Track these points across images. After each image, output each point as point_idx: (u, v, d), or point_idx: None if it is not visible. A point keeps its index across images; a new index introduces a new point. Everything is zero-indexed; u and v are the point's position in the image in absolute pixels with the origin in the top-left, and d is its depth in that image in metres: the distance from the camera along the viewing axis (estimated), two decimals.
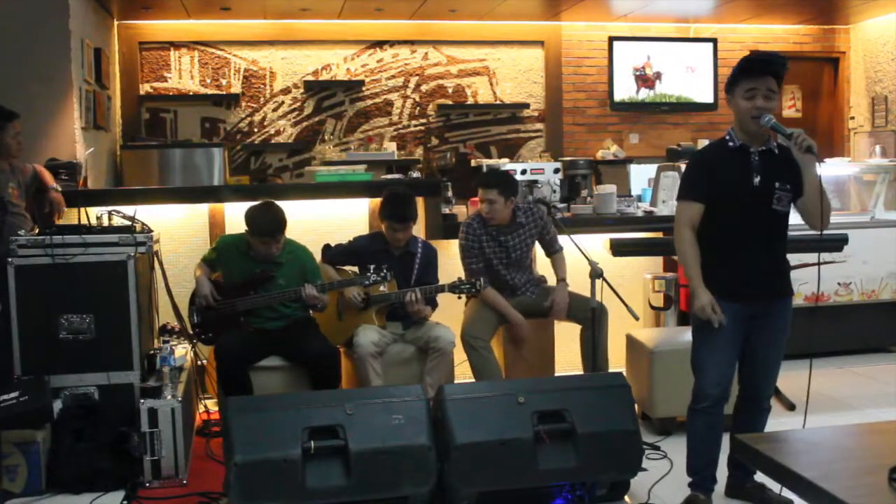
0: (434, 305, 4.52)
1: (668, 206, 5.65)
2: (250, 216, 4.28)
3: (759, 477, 3.49)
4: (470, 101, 7.83)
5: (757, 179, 3.26)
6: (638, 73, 7.85)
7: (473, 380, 4.40)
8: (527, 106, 7.91)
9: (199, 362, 4.53)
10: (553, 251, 4.74)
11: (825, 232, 3.33)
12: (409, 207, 4.46)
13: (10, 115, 4.30)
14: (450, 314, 4.68)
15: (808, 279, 5.60)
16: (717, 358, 3.34)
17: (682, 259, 3.36)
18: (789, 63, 3.31)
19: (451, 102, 7.78)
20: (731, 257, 3.30)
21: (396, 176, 5.97)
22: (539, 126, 8.00)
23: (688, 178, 3.40)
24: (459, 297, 4.55)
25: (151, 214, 4.54)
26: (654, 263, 5.50)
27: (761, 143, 3.29)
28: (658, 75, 7.88)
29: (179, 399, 3.78)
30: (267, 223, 4.25)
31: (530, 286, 4.67)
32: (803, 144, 3.10)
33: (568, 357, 4.80)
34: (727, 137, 3.35)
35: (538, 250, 4.78)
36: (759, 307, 3.32)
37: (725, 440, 3.61)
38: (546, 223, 4.63)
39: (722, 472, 3.58)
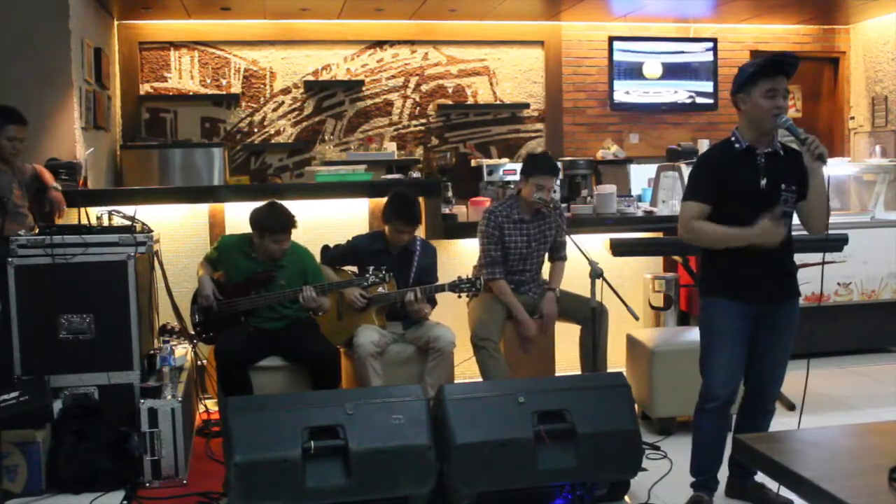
0: (433, 304, 4.53)
1: (668, 206, 5.65)
2: (260, 217, 4.28)
3: (760, 477, 3.49)
4: (470, 101, 7.83)
5: (764, 181, 3.25)
6: None
7: (474, 379, 4.40)
8: (527, 106, 7.91)
9: (199, 362, 4.53)
10: (558, 256, 4.75)
11: (827, 232, 3.34)
12: (416, 210, 4.49)
13: (10, 118, 4.30)
14: (450, 314, 4.69)
15: (809, 279, 5.59)
16: (726, 358, 3.33)
17: (711, 236, 3.26)
18: None
19: (451, 102, 7.77)
20: (740, 259, 3.27)
21: (396, 176, 5.97)
22: (539, 126, 8.00)
23: (695, 180, 3.36)
24: (460, 297, 4.55)
25: (151, 214, 4.54)
26: (654, 263, 5.50)
27: (767, 145, 3.28)
28: None
29: (179, 399, 3.78)
30: (279, 220, 4.27)
31: (535, 286, 4.68)
32: (815, 152, 3.12)
33: (568, 357, 4.80)
34: (732, 139, 3.32)
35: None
36: (767, 308, 3.32)
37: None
38: (561, 223, 4.63)
39: (722, 472, 3.59)
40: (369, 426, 3.22)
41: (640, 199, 5.98)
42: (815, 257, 5.31)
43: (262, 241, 4.29)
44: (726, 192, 3.25)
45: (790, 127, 3.18)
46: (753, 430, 3.41)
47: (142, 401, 3.77)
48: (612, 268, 4.82)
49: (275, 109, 7.53)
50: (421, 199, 5.01)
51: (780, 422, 4.31)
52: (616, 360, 4.75)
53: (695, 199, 3.30)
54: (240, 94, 7.42)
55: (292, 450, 3.12)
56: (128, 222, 4.16)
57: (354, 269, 4.59)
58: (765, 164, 3.26)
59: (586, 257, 4.02)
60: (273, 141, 7.52)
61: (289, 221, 4.28)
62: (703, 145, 6.15)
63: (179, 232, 5.04)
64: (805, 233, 3.46)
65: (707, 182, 3.29)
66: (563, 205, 5.67)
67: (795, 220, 3.39)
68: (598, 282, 3.98)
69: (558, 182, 6.15)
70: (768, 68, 3.21)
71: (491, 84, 7.87)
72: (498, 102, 7.88)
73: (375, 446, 3.19)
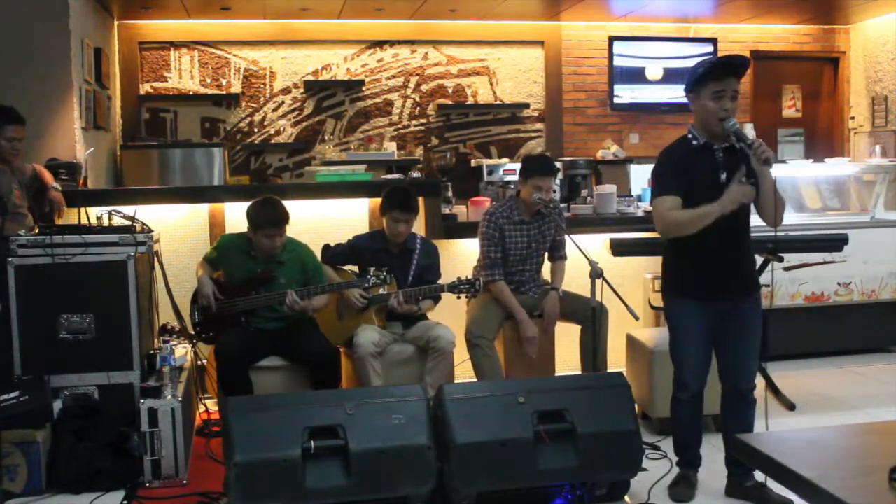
0: (436, 300, 4.53)
1: None
2: (253, 211, 4.29)
3: (760, 476, 3.49)
4: (470, 101, 7.83)
5: (724, 176, 3.34)
6: None
7: (474, 379, 4.40)
8: (527, 106, 7.90)
9: (199, 362, 4.53)
10: (558, 255, 4.75)
11: (826, 232, 3.37)
12: (413, 198, 4.49)
13: (9, 119, 4.30)
14: (450, 314, 4.68)
15: (809, 279, 5.60)
16: (693, 353, 3.49)
17: (688, 219, 3.30)
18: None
19: (451, 102, 7.77)
20: (704, 256, 3.38)
21: (396, 176, 5.97)
22: (539, 126, 7.99)
23: (661, 176, 3.46)
24: (459, 297, 4.54)
25: (151, 214, 4.54)
26: (654, 263, 5.46)
27: (723, 141, 3.37)
28: None
29: (179, 399, 3.78)
30: (272, 215, 4.26)
31: (534, 286, 4.68)
32: (762, 156, 3.19)
33: (568, 357, 4.80)
34: (689, 136, 3.42)
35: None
36: (727, 306, 3.42)
37: (716, 433, 3.62)
38: (560, 222, 4.64)
39: (724, 471, 3.61)
40: (369, 426, 3.22)
41: (640, 199, 5.97)
42: (816, 257, 5.34)
43: (255, 237, 4.30)
44: (688, 188, 3.34)
45: (737, 131, 3.26)
46: (740, 423, 3.49)
47: (142, 401, 3.77)
48: (612, 268, 4.81)
49: (275, 109, 7.53)
50: (421, 200, 5.01)
51: (780, 422, 4.34)
52: (616, 360, 4.75)
53: (666, 194, 3.39)
54: (240, 94, 7.42)
55: (292, 450, 3.12)
56: (128, 222, 4.16)
57: (355, 268, 4.59)
58: (723, 159, 3.36)
59: (586, 257, 4.02)
60: (273, 141, 7.52)
61: (280, 217, 4.27)
62: None
63: (179, 232, 5.04)
64: (801, 233, 3.49)
65: (672, 176, 3.39)
66: (563, 205, 5.67)
67: (756, 220, 3.46)
68: (598, 282, 3.98)
69: (558, 182, 6.14)
70: (717, 70, 3.29)
71: (491, 84, 7.87)
72: (498, 102, 7.88)
73: (375, 446, 3.19)
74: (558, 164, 6.37)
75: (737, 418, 3.51)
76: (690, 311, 3.44)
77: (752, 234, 3.49)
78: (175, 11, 6.85)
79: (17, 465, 3.65)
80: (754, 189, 3.24)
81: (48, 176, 4.55)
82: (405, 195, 4.47)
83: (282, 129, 7.54)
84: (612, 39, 7.80)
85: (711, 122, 3.31)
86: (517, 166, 6.06)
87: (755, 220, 3.44)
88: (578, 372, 4.58)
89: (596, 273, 3.96)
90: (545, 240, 4.66)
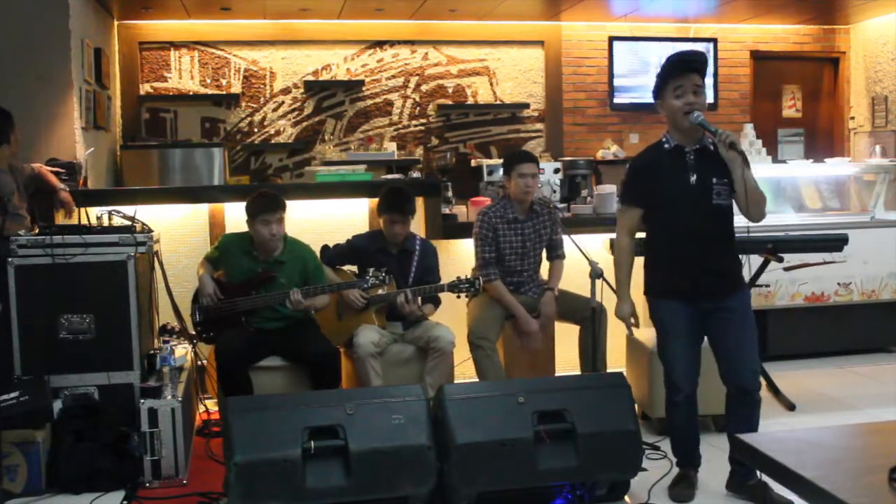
0: (437, 303, 4.53)
1: None
2: (249, 202, 4.31)
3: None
4: (470, 101, 7.83)
5: (693, 178, 3.38)
6: None
7: (474, 379, 4.40)
8: (527, 106, 7.90)
9: (199, 362, 4.53)
10: (555, 255, 4.74)
11: (826, 232, 3.38)
12: (409, 200, 4.49)
13: (11, 118, 4.30)
14: (450, 314, 4.68)
15: (809, 279, 5.60)
16: (681, 353, 3.50)
17: (617, 262, 3.58)
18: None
19: (451, 102, 7.77)
20: (678, 257, 3.43)
21: (396, 176, 5.98)
22: (539, 126, 7.99)
23: (627, 184, 3.58)
24: (459, 297, 4.54)
25: (151, 214, 4.54)
26: None
27: (696, 142, 3.41)
28: None
29: (179, 399, 3.79)
30: (266, 201, 4.28)
31: (534, 286, 4.67)
32: (726, 141, 3.25)
33: (568, 357, 4.80)
34: (663, 140, 3.48)
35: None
36: (713, 303, 3.43)
37: (716, 433, 3.61)
38: (556, 221, 4.64)
39: (724, 470, 3.61)
40: (369, 426, 3.22)
41: None
42: (816, 257, 5.34)
43: (253, 228, 4.29)
44: (657, 189, 3.42)
45: (702, 122, 3.32)
46: (744, 424, 3.46)
47: (142, 401, 3.78)
48: (612, 268, 4.81)
49: (275, 109, 7.53)
50: (421, 199, 5.01)
51: (781, 422, 4.34)
52: (616, 360, 4.75)
53: (626, 203, 3.58)
54: (240, 94, 7.42)
55: (292, 450, 3.12)
56: (128, 222, 4.16)
57: (354, 268, 4.59)
58: (694, 160, 3.40)
59: (586, 257, 4.02)
60: (273, 141, 7.52)
61: (274, 202, 4.28)
62: None
63: (179, 232, 5.04)
64: (802, 233, 3.50)
65: (636, 186, 3.52)
66: (563, 205, 5.67)
67: (739, 220, 3.48)
68: (598, 282, 3.98)
69: (558, 182, 6.14)
70: (675, 69, 3.36)
71: (491, 84, 7.87)
72: (498, 102, 7.88)
73: (375, 446, 3.19)
74: (558, 164, 6.38)
75: (740, 418, 3.48)
76: (675, 311, 3.46)
77: (753, 234, 3.50)
78: (175, 11, 6.85)
79: (17, 465, 3.65)
80: (634, 323, 3.63)
81: (53, 178, 4.54)
82: (400, 197, 4.47)
83: (282, 129, 7.54)
84: (612, 39, 7.80)
85: (679, 119, 3.35)
86: None
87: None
88: (578, 372, 4.58)
89: (596, 273, 3.97)
90: (541, 238, 4.66)
